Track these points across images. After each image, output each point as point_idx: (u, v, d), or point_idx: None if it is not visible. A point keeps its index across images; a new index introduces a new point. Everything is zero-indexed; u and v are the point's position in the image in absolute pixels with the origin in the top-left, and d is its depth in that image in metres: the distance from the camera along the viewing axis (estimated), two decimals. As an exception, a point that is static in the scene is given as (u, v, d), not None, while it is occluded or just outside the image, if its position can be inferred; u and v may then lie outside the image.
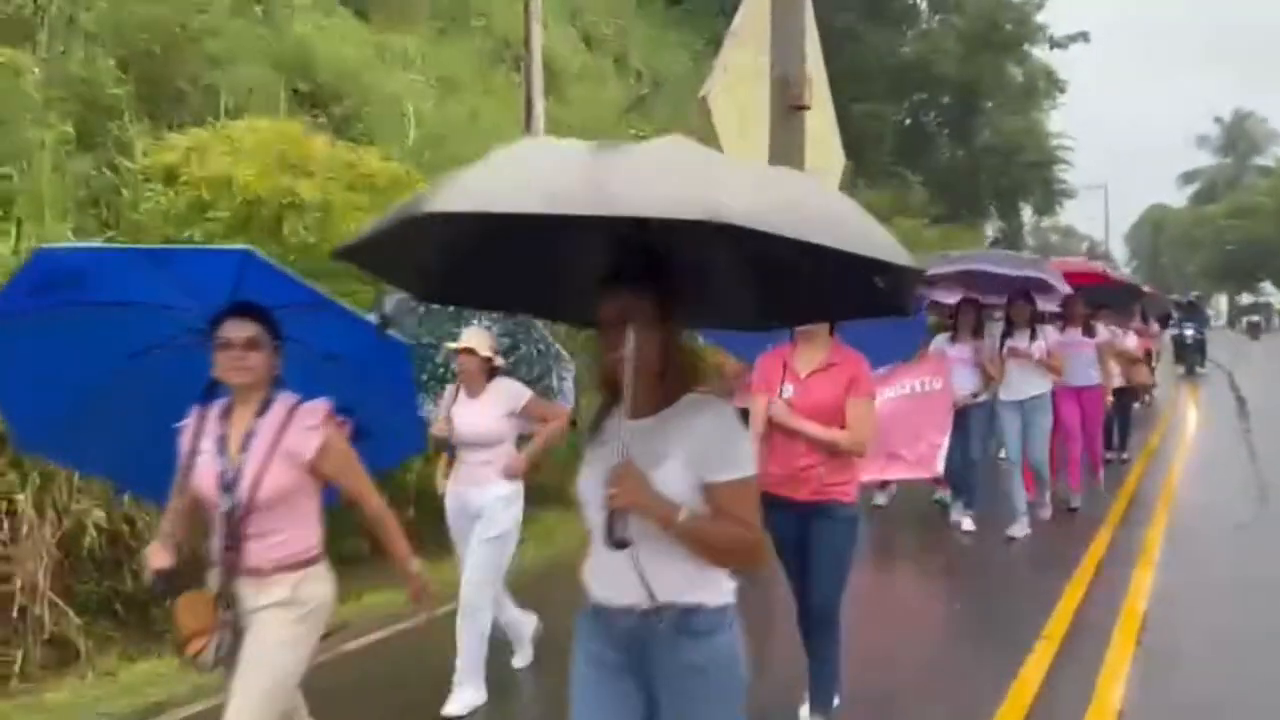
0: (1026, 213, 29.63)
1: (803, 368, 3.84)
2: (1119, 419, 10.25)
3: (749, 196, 1.58)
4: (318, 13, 10.09)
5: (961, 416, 7.15)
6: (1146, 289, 18.06)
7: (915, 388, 6.98)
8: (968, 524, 7.53)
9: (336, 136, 7.76)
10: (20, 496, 4.84)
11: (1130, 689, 4.31)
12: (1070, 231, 64.26)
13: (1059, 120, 33.21)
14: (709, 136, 7.93)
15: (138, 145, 6.79)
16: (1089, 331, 8.14)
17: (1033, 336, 7.08)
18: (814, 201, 1.74)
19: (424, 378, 4.77)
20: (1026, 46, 25.66)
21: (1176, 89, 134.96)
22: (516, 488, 4.32)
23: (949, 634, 5.52)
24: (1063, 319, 8.18)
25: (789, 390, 3.79)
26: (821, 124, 7.57)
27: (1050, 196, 28.24)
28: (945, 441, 6.85)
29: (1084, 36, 25.60)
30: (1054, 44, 25.53)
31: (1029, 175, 26.56)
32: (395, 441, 2.69)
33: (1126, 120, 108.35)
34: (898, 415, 6.85)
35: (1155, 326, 16.17)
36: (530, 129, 8.15)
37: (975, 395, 7.30)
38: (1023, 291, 7.17)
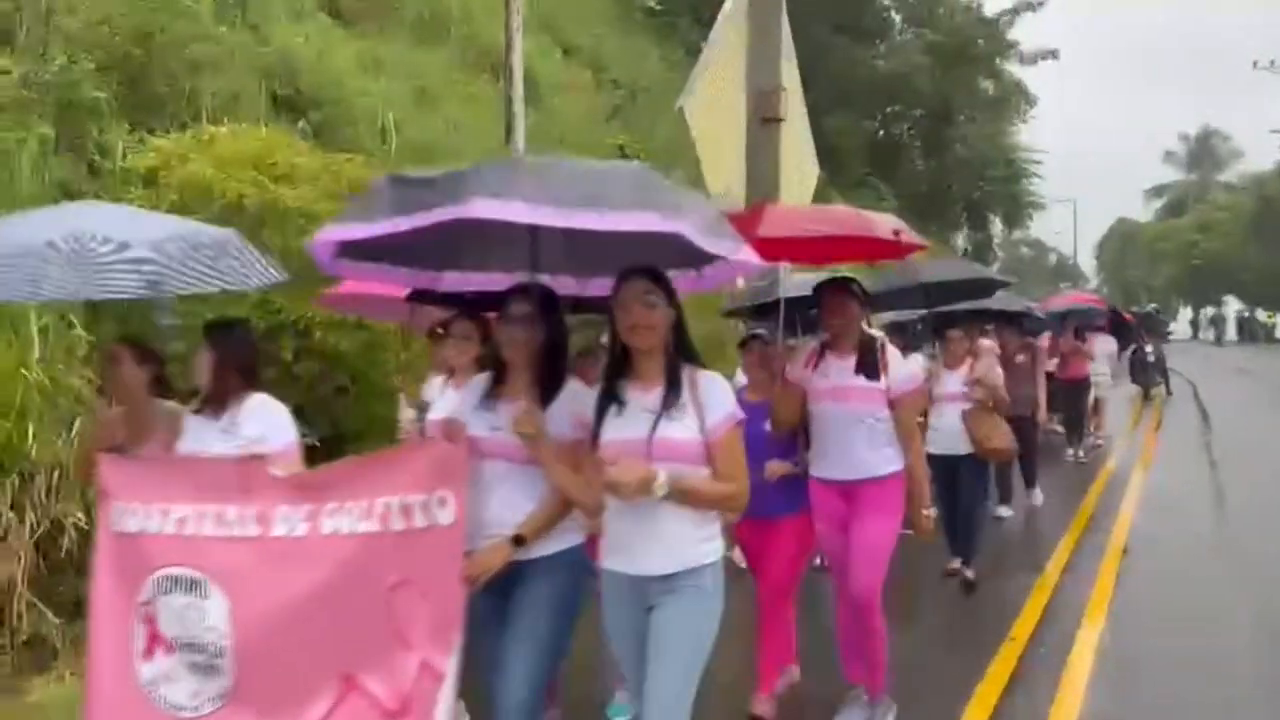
0: (996, 225, 30.06)
1: None
2: (961, 512, 6.26)
3: None
4: (298, 20, 10.12)
5: None
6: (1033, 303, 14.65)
7: (393, 514, 2.84)
8: None
9: (316, 143, 7.82)
10: (-2, 497, 4.85)
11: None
12: (1039, 245, 65.25)
13: (1028, 134, 33.73)
14: (686, 146, 8.08)
15: (118, 148, 6.80)
16: (870, 365, 3.92)
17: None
18: None
19: None
20: (998, 61, 26.15)
21: (1143, 106, 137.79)
22: None
23: None
24: (827, 338, 4.08)
25: None
26: (796, 135, 7.73)
27: (1019, 210, 28.69)
28: (452, 662, 2.80)
29: (1053, 54, 26.15)
30: (1024, 60, 26.07)
31: (998, 188, 27.00)
32: None
33: (1095, 136, 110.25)
34: (354, 582, 2.84)
35: (1095, 346, 12.53)
36: (512, 139, 8.23)
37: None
38: (650, 271, 2.76)
